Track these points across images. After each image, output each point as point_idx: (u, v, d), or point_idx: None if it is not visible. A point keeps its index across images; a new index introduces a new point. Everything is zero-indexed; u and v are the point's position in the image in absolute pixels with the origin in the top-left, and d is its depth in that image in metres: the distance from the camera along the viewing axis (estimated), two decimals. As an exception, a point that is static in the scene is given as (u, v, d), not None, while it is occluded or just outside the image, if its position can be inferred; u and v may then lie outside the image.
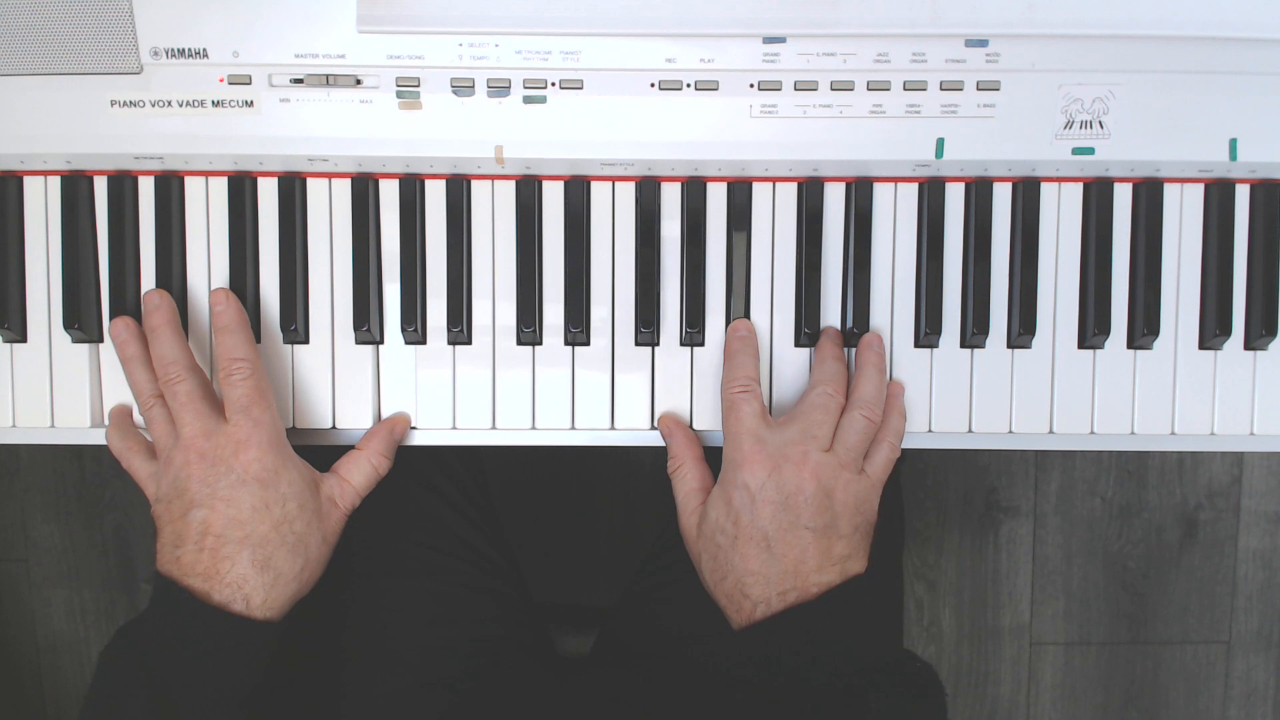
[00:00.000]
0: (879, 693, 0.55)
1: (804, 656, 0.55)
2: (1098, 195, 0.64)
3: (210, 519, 0.56)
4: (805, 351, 0.65)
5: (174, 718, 0.53)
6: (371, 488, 0.62)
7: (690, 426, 0.64)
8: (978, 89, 0.60)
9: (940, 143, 0.61)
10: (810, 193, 0.64)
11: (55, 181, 0.63)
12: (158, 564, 0.57)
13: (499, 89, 0.60)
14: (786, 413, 0.60)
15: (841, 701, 0.55)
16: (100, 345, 0.64)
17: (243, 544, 0.56)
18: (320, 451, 0.63)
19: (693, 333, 0.64)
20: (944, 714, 0.56)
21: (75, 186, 0.63)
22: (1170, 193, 0.64)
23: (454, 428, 0.64)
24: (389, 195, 0.64)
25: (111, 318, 0.63)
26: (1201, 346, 0.65)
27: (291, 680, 0.69)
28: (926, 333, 0.64)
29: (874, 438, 0.60)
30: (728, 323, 0.64)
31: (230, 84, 0.60)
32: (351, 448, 0.63)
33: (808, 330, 0.64)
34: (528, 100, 0.60)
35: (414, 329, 0.64)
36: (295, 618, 0.59)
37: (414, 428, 0.64)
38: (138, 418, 0.63)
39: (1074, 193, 0.64)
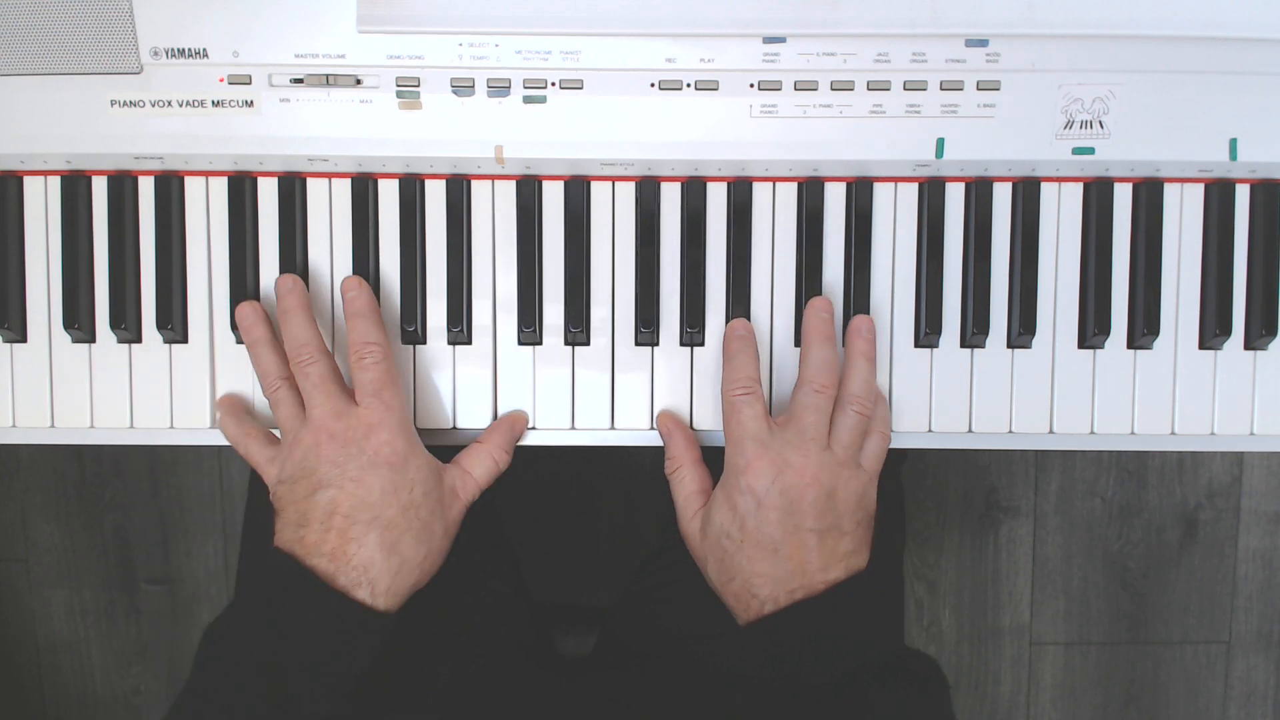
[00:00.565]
0: (882, 686, 0.55)
1: (810, 651, 0.56)
2: (1098, 195, 0.64)
3: (339, 499, 0.55)
4: (805, 351, 0.65)
5: (282, 700, 0.53)
6: (491, 482, 0.62)
7: (690, 426, 0.64)
8: (978, 89, 0.60)
9: (940, 143, 0.61)
10: (810, 193, 0.64)
11: (55, 181, 0.63)
12: (276, 542, 0.56)
13: (499, 89, 0.60)
14: (785, 411, 0.60)
15: (845, 696, 0.55)
16: (94, 346, 0.64)
17: (370, 525, 0.55)
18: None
19: (693, 333, 0.64)
20: (948, 705, 0.56)
21: (75, 186, 0.63)
22: (1170, 193, 0.64)
23: (455, 428, 0.64)
24: (389, 195, 0.64)
25: (112, 320, 0.63)
26: (1201, 346, 0.65)
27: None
28: (926, 332, 0.64)
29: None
30: (728, 323, 0.64)
31: (230, 84, 0.60)
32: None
33: (808, 330, 0.64)
34: (528, 100, 0.60)
35: (414, 329, 0.64)
36: (406, 614, 0.58)
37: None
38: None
39: (1074, 193, 0.64)
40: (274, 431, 0.62)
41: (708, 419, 0.64)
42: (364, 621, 0.55)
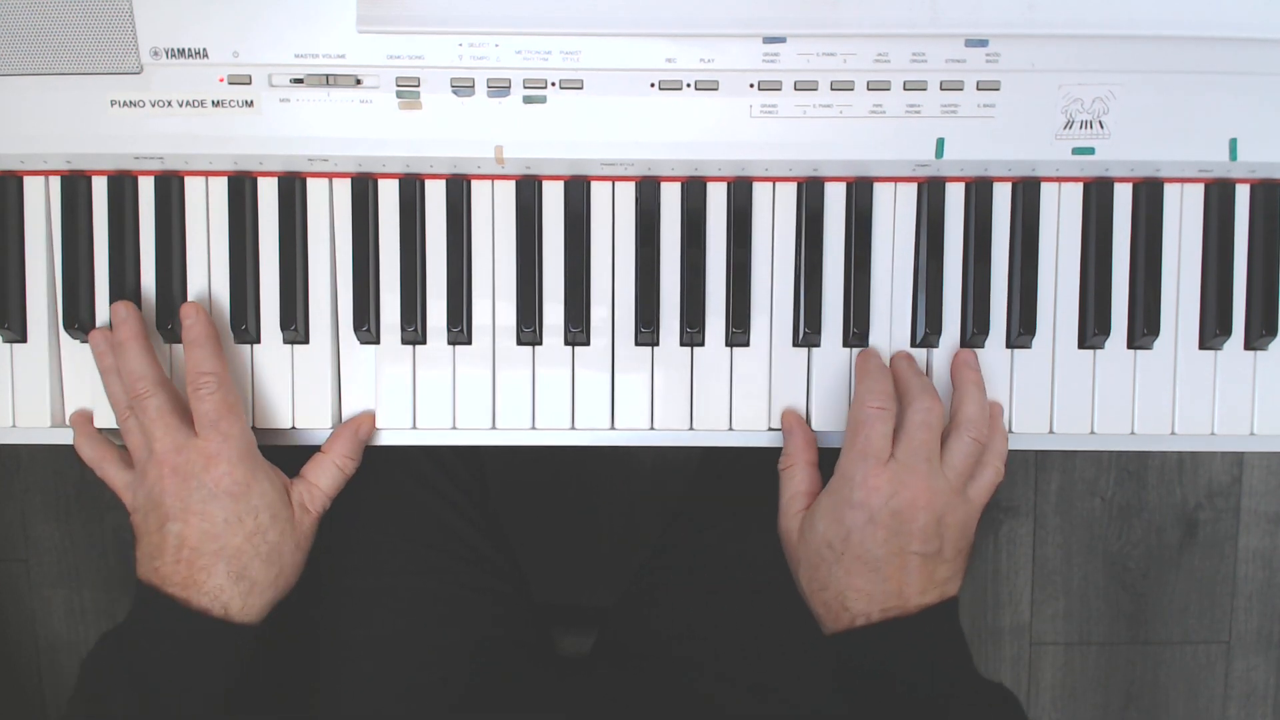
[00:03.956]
0: (970, 707, 0.56)
1: (896, 669, 0.56)
2: (1098, 195, 0.64)
3: (185, 533, 0.57)
4: (804, 352, 0.65)
5: (159, 714, 0.55)
6: (339, 489, 0.63)
7: (690, 427, 0.64)
8: (978, 89, 0.60)
9: (940, 143, 0.61)
10: (810, 193, 0.64)
11: (55, 181, 0.63)
12: (138, 572, 0.59)
13: (499, 89, 0.60)
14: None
15: (931, 709, 0.55)
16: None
17: (217, 556, 0.57)
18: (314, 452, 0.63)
19: (693, 333, 0.64)
20: None
21: (75, 186, 0.63)
22: (1170, 193, 0.64)
23: (454, 428, 0.64)
24: (389, 195, 0.64)
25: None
26: (1201, 346, 0.65)
27: (292, 678, 0.69)
28: (926, 333, 0.64)
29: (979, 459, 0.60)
30: (728, 323, 0.64)
31: (230, 84, 0.60)
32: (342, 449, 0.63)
33: (807, 330, 0.64)
34: (528, 100, 0.60)
35: (414, 329, 0.64)
36: (276, 617, 0.60)
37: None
38: (101, 421, 0.64)
39: (1074, 193, 0.64)
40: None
41: (708, 419, 0.64)
42: (222, 634, 0.57)
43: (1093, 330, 0.64)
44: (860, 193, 0.64)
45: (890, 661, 0.56)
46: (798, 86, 0.60)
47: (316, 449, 0.63)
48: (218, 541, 0.57)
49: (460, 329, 0.64)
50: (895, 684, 0.56)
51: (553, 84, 0.60)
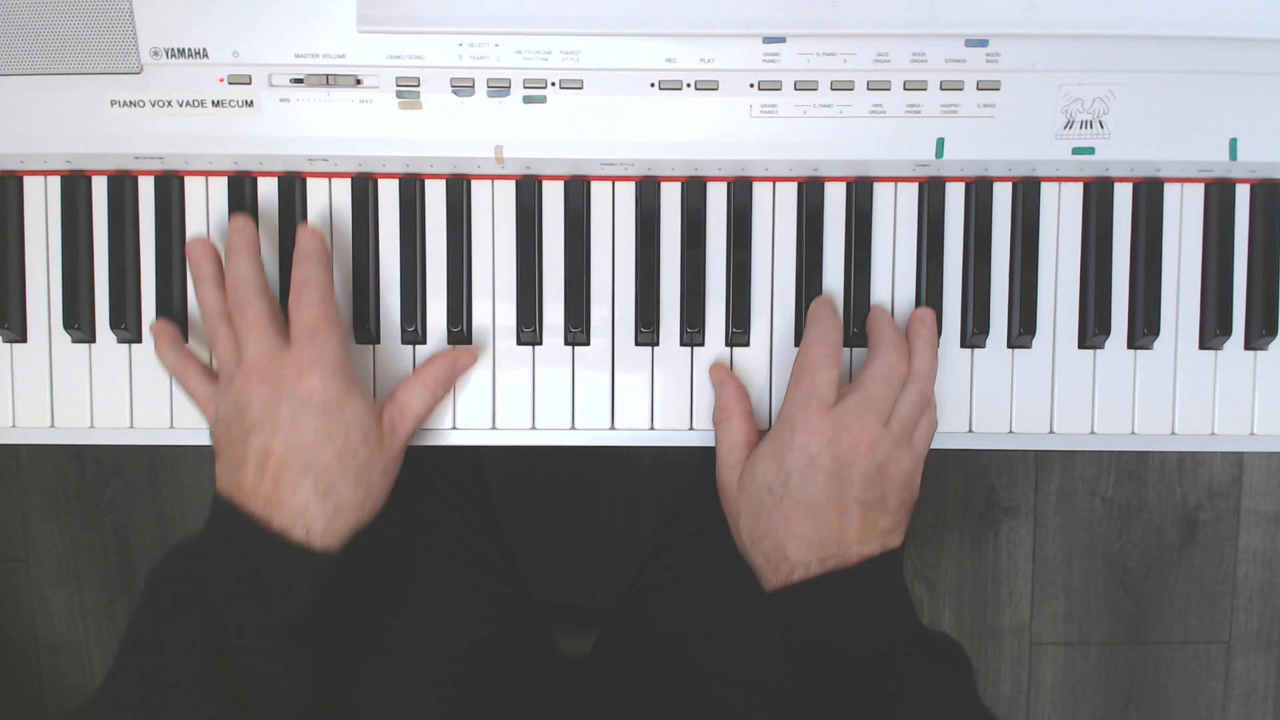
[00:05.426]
0: (912, 660, 0.55)
1: (839, 622, 0.55)
2: (1098, 195, 0.64)
3: (271, 444, 0.54)
4: (805, 351, 0.65)
5: (224, 641, 0.53)
6: (428, 414, 0.61)
7: (690, 427, 0.64)
8: (978, 89, 0.60)
9: (940, 143, 0.61)
10: (810, 193, 0.64)
11: (55, 181, 0.63)
12: (217, 485, 0.56)
13: (499, 89, 0.60)
14: (845, 384, 0.60)
15: (874, 668, 0.54)
16: (95, 346, 0.64)
17: (305, 471, 0.54)
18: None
19: (693, 333, 0.64)
20: (973, 687, 0.56)
21: (75, 186, 0.63)
22: (1170, 193, 0.64)
23: (454, 428, 0.64)
24: (389, 195, 0.64)
25: (112, 320, 0.63)
26: (1202, 346, 0.65)
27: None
28: (926, 333, 0.64)
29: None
30: (728, 323, 0.64)
31: (230, 84, 0.60)
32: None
33: (808, 330, 0.64)
34: (528, 100, 0.60)
35: (414, 329, 0.64)
36: (354, 551, 0.58)
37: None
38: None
39: (1074, 193, 0.64)
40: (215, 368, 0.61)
41: (708, 419, 0.64)
42: (299, 560, 0.54)
43: (1093, 330, 0.64)
44: (860, 193, 0.64)
45: (831, 615, 0.55)
46: (798, 86, 0.60)
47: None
48: (306, 456, 0.54)
49: (460, 329, 0.64)
50: (836, 639, 0.55)
51: (553, 84, 0.60)
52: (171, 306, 0.63)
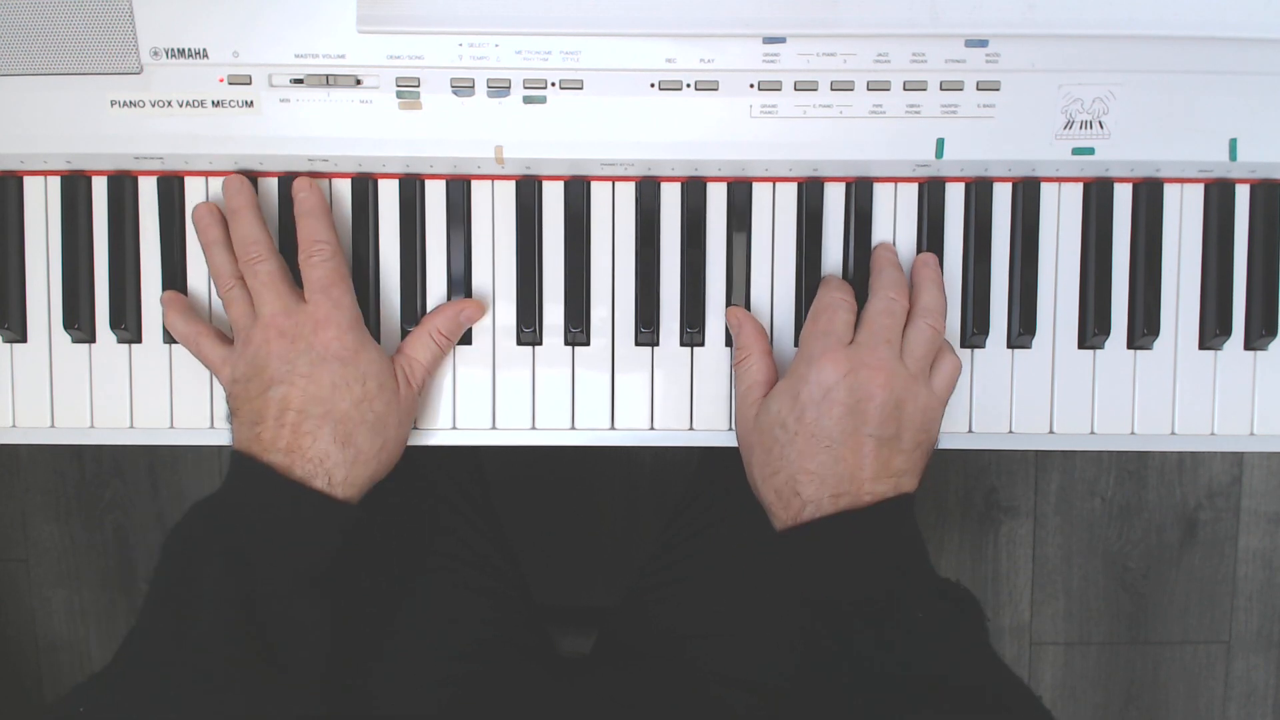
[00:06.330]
0: (923, 604, 0.54)
1: (850, 564, 0.55)
2: (1098, 195, 0.64)
3: (290, 395, 0.56)
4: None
5: (252, 591, 0.53)
6: (436, 365, 0.62)
7: (690, 427, 0.64)
8: (978, 89, 0.60)
9: (940, 143, 0.61)
10: (810, 193, 0.64)
11: (55, 181, 0.63)
12: (234, 443, 0.57)
13: (499, 89, 0.60)
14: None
15: (884, 610, 0.54)
16: (95, 346, 0.64)
17: (324, 420, 0.56)
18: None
19: (693, 333, 0.64)
20: (985, 635, 0.55)
21: (75, 186, 0.63)
22: (1170, 193, 0.64)
23: (454, 428, 0.64)
24: (389, 195, 0.64)
25: (112, 320, 0.63)
26: (1201, 346, 0.65)
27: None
28: (926, 333, 0.64)
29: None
30: (728, 323, 0.64)
31: (230, 84, 0.60)
32: None
33: (808, 330, 0.64)
34: (528, 100, 0.60)
35: (414, 329, 0.63)
36: (371, 509, 0.59)
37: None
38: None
39: (1074, 193, 0.64)
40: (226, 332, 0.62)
41: (707, 419, 0.64)
42: (323, 508, 0.56)
43: (1093, 330, 0.64)
44: (860, 193, 0.64)
45: (841, 555, 0.55)
46: (798, 87, 0.60)
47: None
48: (324, 405, 0.56)
49: (460, 329, 0.64)
50: (846, 581, 0.55)
51: (553, 84, 0.60)
52: (171, 306, 0.63)
